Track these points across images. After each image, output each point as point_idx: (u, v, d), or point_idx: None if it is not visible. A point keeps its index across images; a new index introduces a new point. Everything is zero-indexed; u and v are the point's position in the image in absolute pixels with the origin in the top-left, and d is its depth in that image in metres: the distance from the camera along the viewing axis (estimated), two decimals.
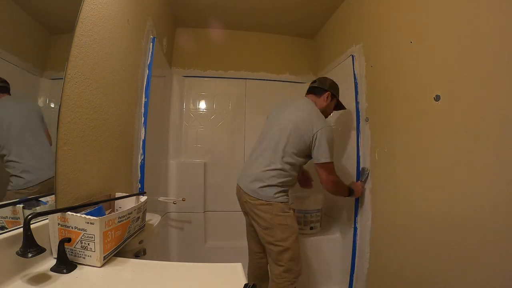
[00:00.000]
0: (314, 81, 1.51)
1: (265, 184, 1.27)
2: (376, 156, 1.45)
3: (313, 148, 1.29)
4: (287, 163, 1.29)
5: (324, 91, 1.44)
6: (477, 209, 0.87)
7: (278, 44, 2.43)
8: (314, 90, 1.47)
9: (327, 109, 1.47)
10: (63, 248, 0.59)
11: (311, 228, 1.74)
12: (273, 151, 1.31)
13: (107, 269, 0.62)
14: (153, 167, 1.63)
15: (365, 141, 1.55)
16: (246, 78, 2.33)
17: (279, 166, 1.28)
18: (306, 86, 2.35)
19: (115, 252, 0.68)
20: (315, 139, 1.27)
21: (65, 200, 0.74)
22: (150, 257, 0.94)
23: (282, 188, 1.29)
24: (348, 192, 1.42)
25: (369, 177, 1.50)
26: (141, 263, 0.68)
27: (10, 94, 0.62)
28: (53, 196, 0.70)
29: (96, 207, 0.77)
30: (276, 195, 1.26)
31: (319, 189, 2.18)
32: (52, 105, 0.73)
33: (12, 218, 0.60)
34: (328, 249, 1.75)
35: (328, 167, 1.30)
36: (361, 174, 1.56)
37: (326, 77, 1.53)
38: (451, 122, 0.97)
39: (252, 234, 1.48)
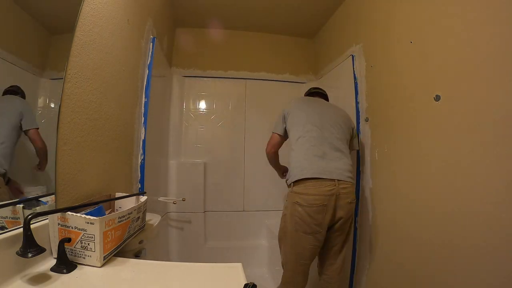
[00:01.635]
0: (318, 88, 1.65)
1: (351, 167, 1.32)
2: (376, 156, 1.45)
3: (353, 139, 1.48)
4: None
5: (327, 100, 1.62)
6: (477, 209, 0.87)
7: (278, 44, 2.43)
8: (325, 97, 1.63)
9: None
10: (63, 248, 0.59)
11: None
12: (341, 142, 1.36)
13: (107, 269, 0.62)
14: (153, 167, 1.63)
15: (365, 141, 1.55)
16: (246, 78, 2.33)
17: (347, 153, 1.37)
18: (306, 86, 2.37)
19: (115, 252, 0.68)
20: (354, 133, 1.47)
21: (65, 200, 0.74)
22: (150, 257, 0.94)
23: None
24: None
25: None
26: (141, 263, 0.68)
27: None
28: (53, 196, 0.70)
29: (96, 207, 0.77)
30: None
31: None
32: (52, 105, 0.73)
33: (12, 218, 0.60)
34: None
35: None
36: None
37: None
38: (451, 122, 0.97)
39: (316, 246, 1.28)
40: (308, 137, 1.31)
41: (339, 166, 1.26)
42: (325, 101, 1.59)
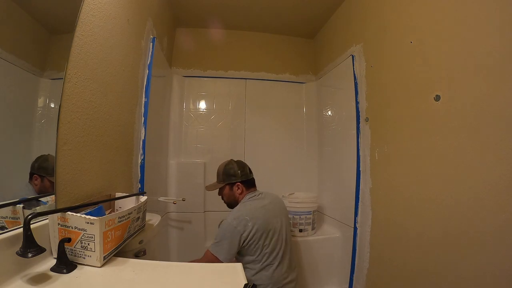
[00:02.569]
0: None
1: None
2: (376, 156, 1.45)
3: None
4: None
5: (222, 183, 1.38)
6: (478, 209, 0.87)
7: (278, 44, 2.43)
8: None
9: (231, 196, 1.39)
10: (63, 248, 0.59)
11: (300, 231, 1.73)
12: None
13: (107, 269, 0.62)
14: (153, 167, 1.63)
15: (365, 141, 1.55)
16: (246, 78, 2.33)
17: None
18: (306, 86, 2.37)
19: (115, 252, 0.68)
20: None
21: (65, 200, 0.74)
22: (150, 257, 0.94)
23: None
24: None
25: None
26: (141, 263, 0.68)
27: None
28: (53, 196, 0.70)
29: (96, 207, 0.77)
30: None
31: (312, 189, 2.20)
32: (52, 105, 0.73)
33: (12, 218, 0.60)
34: (328, 249, 1.75)
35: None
36: None
37: (219, 168, 1.43)
38: (451, 122, 0.97)
39: None
40: None
41: None
42: None
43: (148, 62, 1.46)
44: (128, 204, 0.92)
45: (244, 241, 1.16)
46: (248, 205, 1.27)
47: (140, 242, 0.90)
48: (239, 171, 1.36)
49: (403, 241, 1.21)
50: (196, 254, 2.06)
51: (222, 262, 1.13)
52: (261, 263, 1.19)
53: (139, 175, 1.37)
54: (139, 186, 1.36)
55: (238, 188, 1.36)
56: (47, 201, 0.69)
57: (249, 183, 1.39)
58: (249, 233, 1.16)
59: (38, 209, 0.66)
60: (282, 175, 2.29)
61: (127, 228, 0.75)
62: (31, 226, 0.51)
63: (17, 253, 0.50)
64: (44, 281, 0.54)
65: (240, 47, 2.38)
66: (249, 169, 1.42)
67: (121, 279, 0.59)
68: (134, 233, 0.83)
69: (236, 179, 1.35)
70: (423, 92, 1.10)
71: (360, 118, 1.61)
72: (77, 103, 0.79)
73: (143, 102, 1.40)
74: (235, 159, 1.44)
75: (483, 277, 0.84)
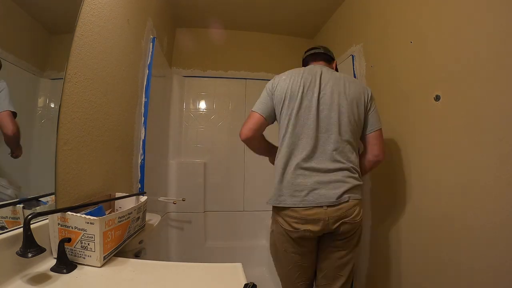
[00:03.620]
0: (315, 48, 1.22)
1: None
2: None
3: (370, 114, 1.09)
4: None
5: (332, 59, 1.22)
6: (478, 209, 0.87)
7: (278, 44, 2.43)
8: (324, 56, 1.19)
9: None
10: (63, 248, 0.59)
11: None
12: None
13: (107, 269, 0.62)
14: (153, 167, 1.63)
15: None
16: (246, 78, 2.33)
17: None
18: None
19: (115, 252, 0.68)
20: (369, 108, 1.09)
21: (65, 200, 0.74)
22: (150, 257, 0.94)
23: None
24: None
25: None
26: (141, 263, 0.68)
27: None
28: (53, 196, 0.70)
29: (96, 207, 0.77)
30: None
31: None
32: (52, 105, 0.73)
33: (12, 218, 0.60)
34: None
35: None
36: None
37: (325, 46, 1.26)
38: (451, 122, 0.97)
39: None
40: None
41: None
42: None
43: (148, 62, 1.46)
44: (128, 204, 0.92)
45: (271, 94, 1.07)
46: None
47: (140, 242, 0.90)
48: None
49: (403, 241, 1.21)
50: (196, 254, 2.07)
51: (255, 112, 1.08)
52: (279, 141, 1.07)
53: (139, 175, 1.37)
54: (139, 186, 1.36)
55: None
56: (47, 201, 0.69)
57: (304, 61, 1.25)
58: (272, 85, 1.08)
59: (38, 209, 0.66)
60: None
61: (127, 228, 0.75)
62: (31, 226, 0.51)
63: (17, 253, 0.50)
64: (44, 281, 0.54)
65: (240, 47, 2.38)
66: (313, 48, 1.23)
67: (121, 279, 0.59)
68: (134, 233, 0.83)
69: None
70: (423, 92, 1.10)
71: None
72: (77, 103, 0.79)
73: (143, 102, 1.40)
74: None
75: (483, 275, 0.84)
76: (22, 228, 0.52)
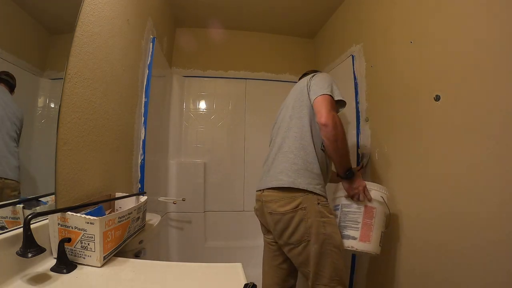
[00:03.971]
0: (310, 72, 1.34)
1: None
2: (376, 156, 1.45)
3: (309, 91, 1.12)
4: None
5: None
6: (478, 209, 0.87)
7: (278, 44, 2.43)
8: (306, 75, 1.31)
9: None
10: (63, 248, 0.59)
11: None
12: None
13: (107, 269, 0.62)
14: (153, 167, 1.63)
15: (365, 141, 1.55)
16: (246, 78, 2.33)
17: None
18: None
19: (115, 252, 0.68)
20: (309, 85, 1.13)
21: (65, 200, 0.74)
22: (150, 257, 0.94)
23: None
24: (348, 165, 1.08)
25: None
26: (141, 263, 0.68)
27: (12, 91, 0.62)
28: (53, 196, 0.70)
29: (96, 207, 0.77)
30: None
31: None
32: (52, 105, 0.73)
33: (12, 218, 0.60)
34: None
35: (328, 98, 1.04)
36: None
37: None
38: (451, 122, 0.97)
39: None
40: None
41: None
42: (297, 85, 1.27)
43: (148, 62, 1.46)
44: (128, 204, 0.92)
45: None
46: None
47: (140, 242, 0.90)
48: None
49: (403, 241, 1.21)
50: (196, 254, 2.07)
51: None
52: None
53: (139, 175, 1.37)
54: (139, 186, 1.36)
55: None
56: (47, 201, 0.69)
57: None
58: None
59: (38, 209, 0.66)
60: None
61: (127, 228, 0.75)
62: (31, 226, 0.51)
63: (17, 253, 0.50)
64: (44, 281, 0.54)
65: (240, 47, 2.38)
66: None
67: (121, 279, 0.59)
68: (134, 233, 0.83)
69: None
70: (423, 92, 1.10)
71: (360, 118, 1.61)
72: (77, 103, 0.79)
73: (143, 102, 1.40)
74: None
75: (483, 274, 0.84)
76: (22, 228, 0.52)
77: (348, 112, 1.72)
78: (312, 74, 1.19)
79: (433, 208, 1.04)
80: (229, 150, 2.25)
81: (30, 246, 0.50)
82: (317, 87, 1.09)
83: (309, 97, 1.12)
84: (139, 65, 1.34)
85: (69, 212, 0.61)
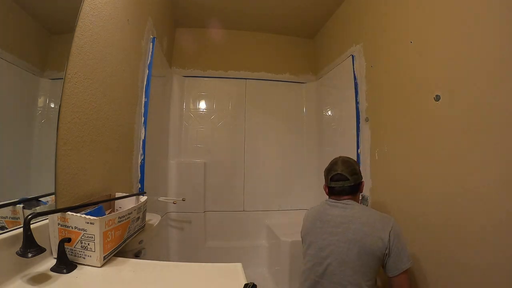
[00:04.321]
0: (338, 175, 1.05)
1: None
2: (376, 156, 1.45)
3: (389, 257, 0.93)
4: None
5: (360, 184, 1.09)
6: (478, 209, 0.87)
7: (278, 44, 2.43)
8: (352, 189, 1.05)
9: None
10: (63, 248, 0.59)
11: None
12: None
13: (107, 269, 0.62)
14: (153, 167, 1.63)
15: (365, 141, 1.55)
16: (246, 78, 2.33)
17: None
18: (306, 86, 2.37)
19: (115, 252, 0.68)
20: (390, 248, 0.93)
21: (65, 200, 0.74)
22: (150, 257, 0.94)
23: None
24: None
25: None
26: (141, 263, 0.68)
27: None
28: (53, 196, 0.70)
29: (96, 207, 0.77)
30: None
31: (311, 189, 2.20)
32: (52, 105, 0.73)
33: (12, 218, 0.60)
34: None
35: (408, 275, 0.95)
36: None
37: (349, 162, 1.09)
38: (451, 122, 0.97)
39: None
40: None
41: None
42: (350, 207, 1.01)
43: (148, 62, 1.46)
44: (128, 204, 0.92)
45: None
46: (316, 206, 1.13)
47: (140, 242, 0.90)
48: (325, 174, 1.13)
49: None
50: (196, 254, 2.07)
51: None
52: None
53: (139, 175, 1.37)
54: (139, 186, 1.36)
55: (325, 189, 1.14)
56: (47, 201, 0.69)
57: (331, 191, 1.10)
58: (301, 231, 1.13)
59: (38, 209, 0.66)
60: (282, 175, 2.29)
61: (127, 228, 0.75)
62: (31, 226, 0.51)
63: (17, 253, 0.50)
64: (44, 281, 0.54)
65: (240, 47, 2.38)
66: (335, 175, 1.07)
67: (121, 279, 0.59)
68: (134, 233, 0.83)
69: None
70: (423, 92, 1.10)
71: (360, 118, 1.61)
72: (77, 103, 0.79)
73: (143, 102, 1.40)
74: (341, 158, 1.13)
75: (481, 268, 0.84)
76: (22, 228, 0.52)
77: (348, 112, 1.72)
78: (391, 226, 0.95)
79: (434, 208, 1.04)
80: (229, 150, 2.26)
81: (30, 246, 0.50)
82: (398, 257, 0.92)
83: (384, 265, 0.95)
84: (139, 65, 1.34)
85: (69, 212, 0.61)
